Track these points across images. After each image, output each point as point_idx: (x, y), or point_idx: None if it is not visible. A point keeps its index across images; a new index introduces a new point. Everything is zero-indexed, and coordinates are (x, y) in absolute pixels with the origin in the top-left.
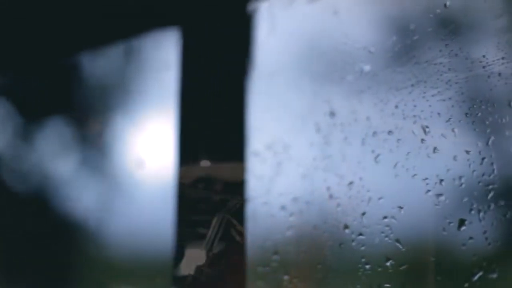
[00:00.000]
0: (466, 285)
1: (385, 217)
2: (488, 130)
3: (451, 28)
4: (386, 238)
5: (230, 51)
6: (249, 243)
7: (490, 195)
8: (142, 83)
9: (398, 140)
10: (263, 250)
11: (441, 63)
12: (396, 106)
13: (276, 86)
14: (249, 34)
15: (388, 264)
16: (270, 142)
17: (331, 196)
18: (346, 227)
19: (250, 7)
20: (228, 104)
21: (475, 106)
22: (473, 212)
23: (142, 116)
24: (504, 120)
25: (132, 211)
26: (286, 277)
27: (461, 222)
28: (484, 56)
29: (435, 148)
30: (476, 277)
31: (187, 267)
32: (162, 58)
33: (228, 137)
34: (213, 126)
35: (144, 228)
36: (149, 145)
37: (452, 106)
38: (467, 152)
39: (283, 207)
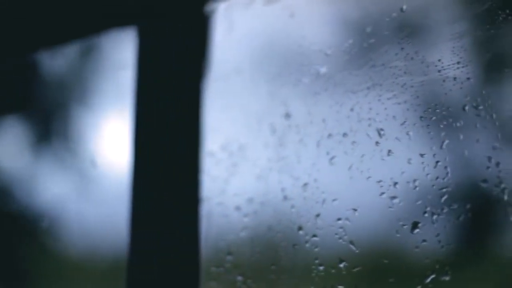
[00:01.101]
0: (419, 287)
1: (339, 219)
2: (443, 134)
3: (407, 32)
4: (340, 240)
5: (187, 51)
6: (203, 243)
7: (444, 198)
8: (99, 82)
9: (353, 142)
10: (217, 250)
11: (396, 66)
12: (352, 109)
13: (232, 87)
14: (206, 34)
15: (341, 265)
16: (225, 142)
17: (285, 197)
18: (300, 228)
19: (208, 7)
20: (184, 104)
21: (430, 110)
22: (426, 215)
23: (98, 114)
24: (458, 124)
25: (87, 209)
26: (239, 278)
27: (415, 225)
28: (439, 60)
29: (389, 151)
30: (428, 280)
31: (141, 265)
32: (119, 57)
33: (183, 137)
34: (168, 126)
35: (99, 226)
36: (105, 143)
37: (407, 109)
38: (422, 155)
39: (237, 208)
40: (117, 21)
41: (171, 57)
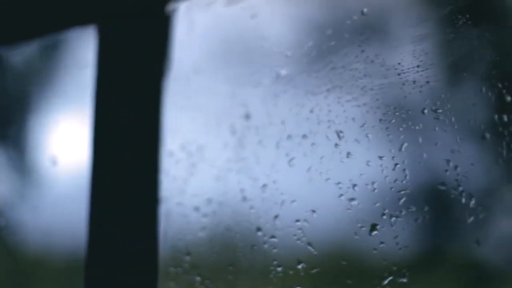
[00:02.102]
0: None
1: (297, 220)
2: (402, 137)
3: (367, 34)
4: (298, 241)
5: (148, 51)
6: (161, 243)
7: (402, 200)
8: (59, 80)
9: (313, 144)
10: (175, 250)
11: (357, 69)
12: (311, 111)
13: (192, 87)
14: (167, 34)
15: (299, 267)
16: (184, 142)
17: (244, 198)
18: (258, 229)
19: (169, 7)
20: (144, 103)
21: (389, 113)
22: (384, 217)
23: (58, 113)
24: (417, 127)
25: (45, 207)
26: (198, 278)
27: (373, 227)
28: (399, 64)
29: (348, 153)
30: (386, 281)
31: (99, 264)
32: (80, 56)
33: (143, 136)
34: (128, 125)
35: (57, 224)
36: (64, 142)
37: (367, 112)
38: (380, 157)
39: (196, 208)
40: (78, 20)
41: (131, 56)
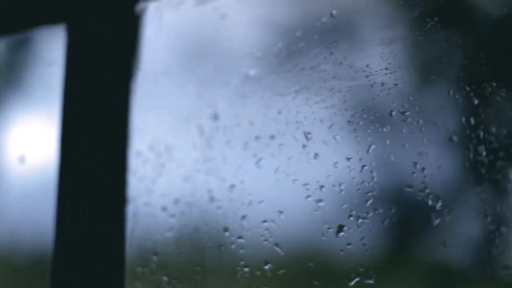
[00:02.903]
0: None
1: (265, 221)
2: (369, 138)
3: (336, 36)
4: (266, 242)
5: (117, 50)
6: (128, 243)
7: (369, 202)
8: (27, 78)
9: (280, 145)
10: (142, 250)
11: (325, 70)
12: (279, 112)
13: (161, 87)
14: (136, 34)
15: (266, 267)
16: (153, 143)
17: (212, 199)
18: (226, 229)
19: (138, 6)
20: (112, 103)
21: (357, 115)
22: (351, 218)
23: (26, 111)
24: (385, 129)
25: (12, 205)
26: (165, 278)
27: (340, 228)
28: (367, 66)
29: (316, 154)
30: (353, 282)
31: (66, 263)
32: (49, 55)
33: (111, 136)
34: (96, 125)
35: (24, 223)
36: (31, 140)
37: (335, 113)
38: (348, 159)
39: (164, 208)
40: (47, 19)
41: (100, 56)
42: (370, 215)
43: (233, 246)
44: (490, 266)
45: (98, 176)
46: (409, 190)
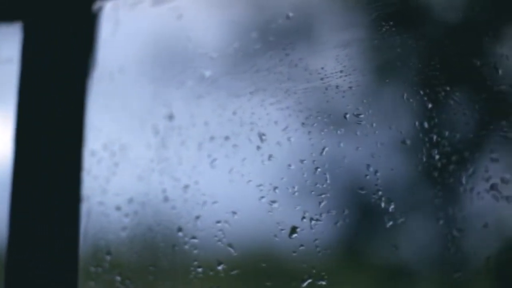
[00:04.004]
0: None
1: (218, 222)
2: (323, 141)
3: (292, 38)
4: (219, 242)
5: (73, 49)
6: (82, 242)
7: (322, 204)
8: None
9: (235, 146)
10: (96, 250)
11: (281, 72)
12: (234, 113)
13: (116, 86)
14: (92, 33)
15: (220, 268)
16: (107, 142)
17: (166, 199)
18: (180, 229)
19: (95, 5)
20: (67, 102)
21: (311, 117)
22: (305, 220)
23: None
24: (339, 132)
25: None
26: (118, 278)
27: (293, 230)
28: (322, 68)
29: (270, 156)
30: (305, 284)
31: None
32: (4, 52)
33: (65, 134)
34: (51, 123)
35: None
36: None
37: (289, 115)
38: (302, 161)
39: (118, 208)
40: (3, 17)
41: (56, 54)
42: (323, 216)
43: (186, 246)
44: (441, 269)
45: (52, 175)
46: (362, 192)
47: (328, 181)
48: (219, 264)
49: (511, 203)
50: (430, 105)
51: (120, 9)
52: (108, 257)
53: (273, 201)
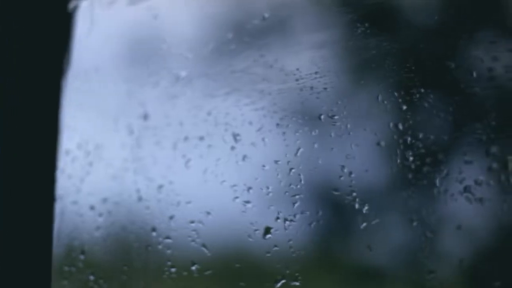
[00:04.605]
0: None
1: (192, 222)
2: (298, 142)
3: (267, 39)
4: (193, 243)
5: (48, 47)
6: (55, 241)
7: (296, 205)
8: None
9: (209, 146)
10: (69, 249)
11: (256, 73)
12: (209, 113)
13: (92, 85)
14: (68, 31)
15: (193, 268)
16: (81, 141)
17: (140, 198)
18: (153, 229)
19: (71, 4)
20: (43, 100)
21: (286, 117)
22: (279, 220)
23: None
24: (313, 133)
25: None
26: (91, 278)
27: (267, 230)
28: (297, 69)
29: (244, 156)
30: (279, 284)
31: None
32: None
33: (40, 133)
34: (25, 122)
35: None
36: None
37: (264, 116)
38: (276, 162)
39: (92, 207)
40: None
41: (31, 52)
42: (297, 217)
43: (160, 246)
44: (415, 270)
45: (26, 174)
46: (336, 193)
47: (303, 182)
48: (193, 264)
49: (485, 205)
50: (404, 107)
51: (95, 8)
52: (81, 257)
53: (247, 202)
